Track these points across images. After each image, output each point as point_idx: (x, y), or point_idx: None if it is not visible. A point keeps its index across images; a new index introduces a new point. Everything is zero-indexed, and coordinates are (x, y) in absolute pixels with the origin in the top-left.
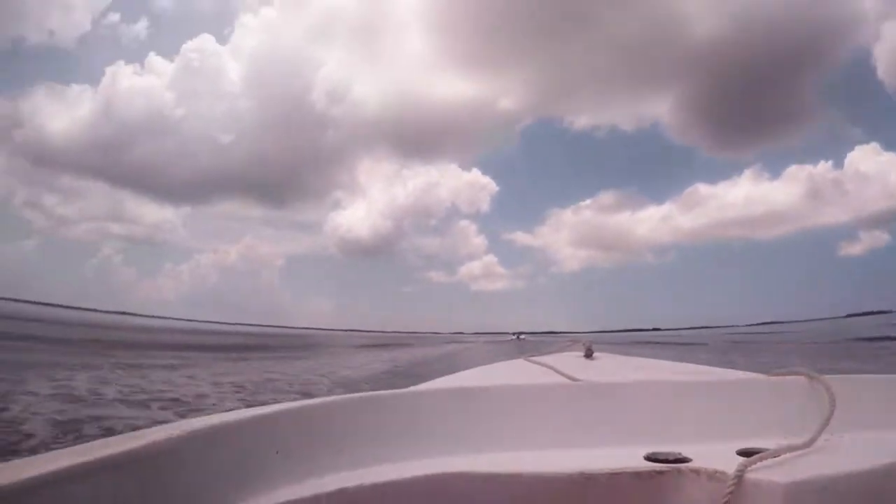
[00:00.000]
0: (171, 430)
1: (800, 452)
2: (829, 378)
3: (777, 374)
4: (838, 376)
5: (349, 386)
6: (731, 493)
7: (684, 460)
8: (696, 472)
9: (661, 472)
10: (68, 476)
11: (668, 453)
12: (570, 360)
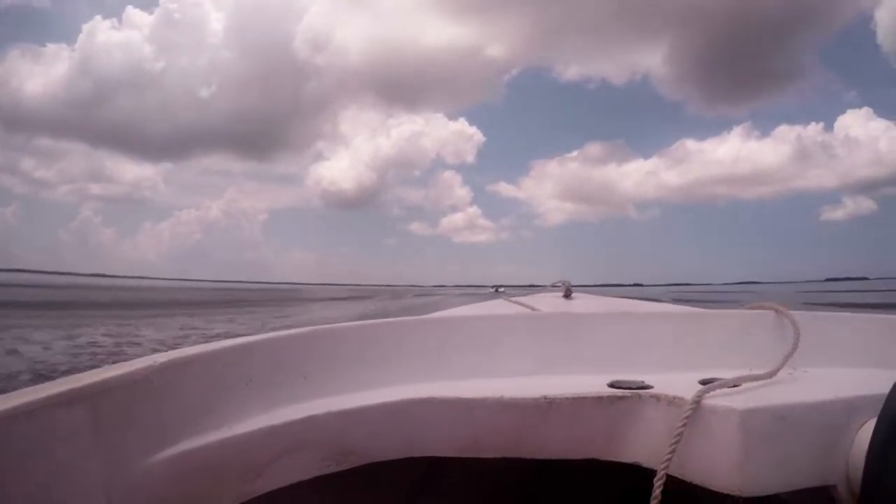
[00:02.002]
0: (146, 362)
1: (760, 383)
2: (798, 313)
3: (747, 308)
4: (807, 312)
5: None
6: (687, 417)
7: (647, 387)
8: (656, 397)
9: (621, 398)
10: (47, 405)
11: (631, 381)
12: (549, 300)
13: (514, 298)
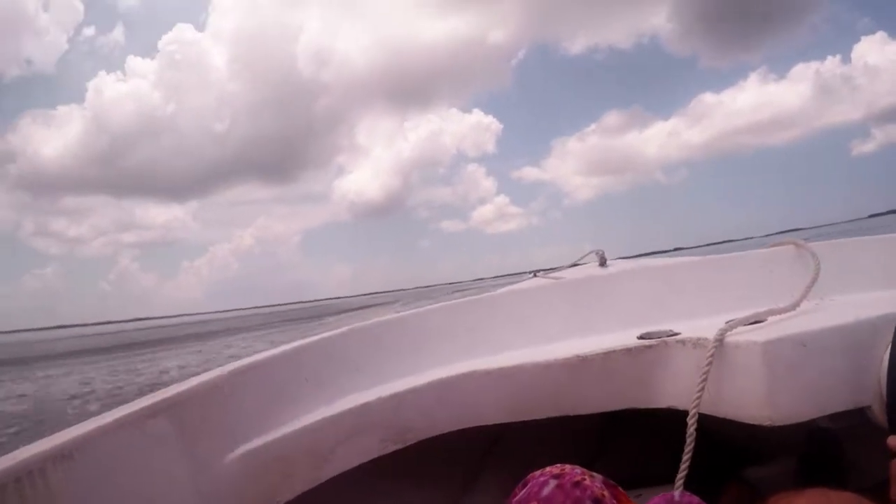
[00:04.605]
0: (216, 372)
1: (783, 316)
2: (817, 244)
3: (767, 247)
4: (827, 242)
5: None
6: (712, 356)
7: (674, 335)
8: (682, 342)
9: (649, 347)
10: (137, 417)
11: (660, 331)
12: (584, 270)
13: (549, 274)
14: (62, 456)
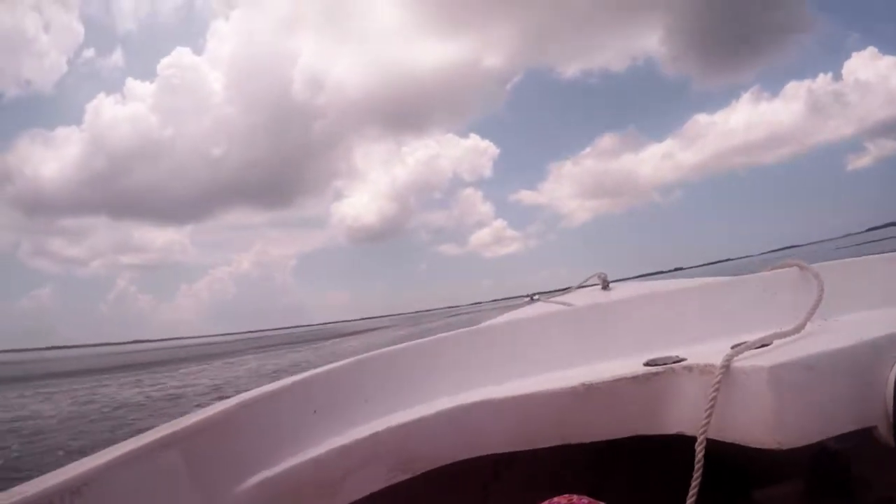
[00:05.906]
0: (226, 404)
1: (788, 339)
2: (820, 265)
3: (770, 270)
4: (829, 262)
5: None
6: (719, 382)
7: (680, 360)
8: (689, 368)
9: (656, 374)
10: (148, 450)
11: (666, 358)
12: (587, 294)
13: (552, 298)
14: (70, 491)
